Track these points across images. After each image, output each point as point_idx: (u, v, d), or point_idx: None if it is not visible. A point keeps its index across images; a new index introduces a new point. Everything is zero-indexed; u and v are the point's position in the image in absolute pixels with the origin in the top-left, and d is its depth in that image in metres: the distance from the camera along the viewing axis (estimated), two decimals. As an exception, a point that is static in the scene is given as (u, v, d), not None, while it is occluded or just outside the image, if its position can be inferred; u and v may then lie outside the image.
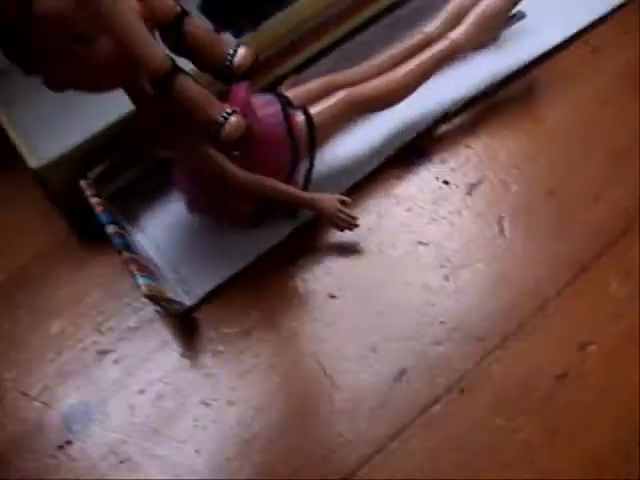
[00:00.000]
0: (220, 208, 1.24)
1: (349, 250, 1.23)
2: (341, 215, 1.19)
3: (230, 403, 1.13)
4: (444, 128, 1.33)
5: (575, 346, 1.11)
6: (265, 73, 1.36)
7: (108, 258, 1.27)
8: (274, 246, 1.24)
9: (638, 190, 1.22)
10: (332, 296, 1.18)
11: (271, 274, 1.22)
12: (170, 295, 1.17)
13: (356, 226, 1.20)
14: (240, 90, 1.19)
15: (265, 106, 1.21)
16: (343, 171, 1.29)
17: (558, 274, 1.16)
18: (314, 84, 1.29)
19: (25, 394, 1.19)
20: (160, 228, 1.29)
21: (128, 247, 1.18)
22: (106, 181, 1.27)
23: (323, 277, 1.20)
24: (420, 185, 1.27)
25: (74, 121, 1.21)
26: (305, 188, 1.23)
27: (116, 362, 1.19)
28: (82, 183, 1.23)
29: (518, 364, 1.10)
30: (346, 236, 1.23)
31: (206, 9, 1.40)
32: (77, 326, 1.23)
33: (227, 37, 1.32)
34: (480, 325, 1.13)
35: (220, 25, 1.38)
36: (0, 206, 1.39)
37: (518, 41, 1.38)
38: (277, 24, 1.33)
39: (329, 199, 1.20)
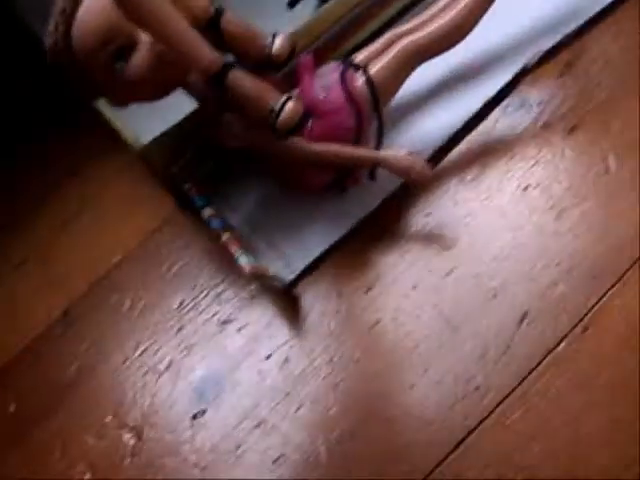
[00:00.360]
0: (296, 180, 1.26)
1: (455, 201, 1.22)
2: (411, 167, 1.19)
3: (356, 361, 1.15)
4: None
5: (693, 275, 1.10)
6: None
7: (214, 232, 1.29)
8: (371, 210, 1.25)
9: None
10: (446, 247, 1.18)
11: (375, 234, 1.25)
12: (271, 271, 1.19)
13: (428, 177, 1.20)
14: (300, 67, 1.23)
15: (323, 77, 1.23)
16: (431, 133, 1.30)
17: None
18: (378, 43, 1.29)
19: (154, 370, 1.21)
20: (252, 205, 1.31)
21: (226, 227, 1.22)
22: (196, 164, 1.30)
23: (434, 229, 1.21)
24: (519, 130, 1.27)
25: (166, 104, 1.23)
26: (378, 149, 1.25)
27: (239, 330, 1.21)
28: (174, 168, 1.26)
29: (636, 299, 1.10)
30: (449, 187, 1.24)
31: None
32: (196, 298, 1.26)
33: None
34: (596, 263, 1.14)
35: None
36: (105, 188, 1.42)
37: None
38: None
39: (398, 154, 1.20)
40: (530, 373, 1.08)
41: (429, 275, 1.18)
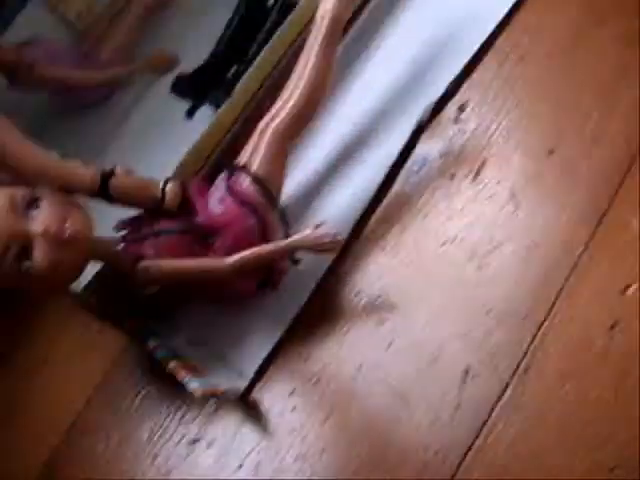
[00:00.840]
0: (226, 294, 1.30)
1: (380, 273, 1.25)
2: (322, 240, 1.22)
3: (322, 451, 1.17)
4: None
5: (617, 293, 1.12)
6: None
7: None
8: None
9: (635, 119, 1.22)
10: (380, 321, 1.21)
11: (313, 324, 1.27)
12: (223, 386, 1.21)
13: (340, 242, 1.23)
14: (192, 194, 1.29)
15: (215, 192, 1.29)
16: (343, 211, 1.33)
17: (580, 229, 1.17)
18: (254, 137, 1.32)
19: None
20: (195, 322, 1.35)
21: (172, 355, 1.25)
22: (131, 299, 1.33)
23: (367, 306, 1.25)
24: (427, 187, 1.30)
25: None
26: (287, 231, 1.29)
27: (208, 447, 1.25)
28: (110, 310, 1.31)
29: (569, 327, 1.12)
30: (372, 259, 1.28)
31: (178, 89, 1.45)
32: (163, 425, 1.29)
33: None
34: (523, 303, 1.16)
35: (197, 101, 1.43)
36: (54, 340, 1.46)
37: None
38: (249, 82, 1.37)
39: (305, 233, 1.23)
40: (483, 426, 1.10)
41: (371, 352, 1.20)
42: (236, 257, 1.22)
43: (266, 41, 1.42)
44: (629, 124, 1.21)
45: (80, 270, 1.20)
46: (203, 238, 1.24)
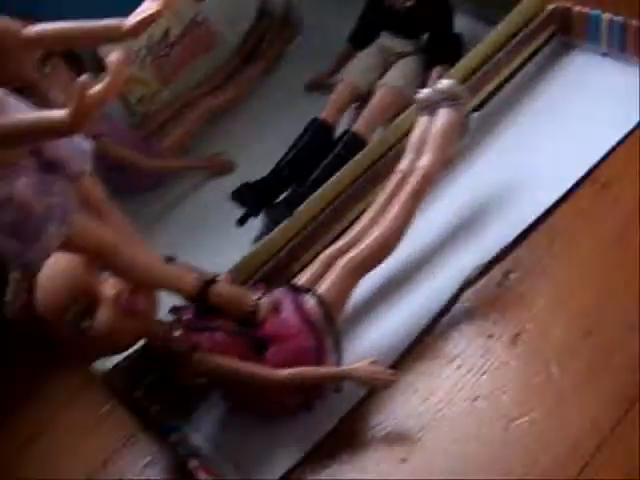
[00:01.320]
0: (264, 405, 1.30)
1: (409, 414, 1.28)
2: (377, 375, 1.25)
3: None
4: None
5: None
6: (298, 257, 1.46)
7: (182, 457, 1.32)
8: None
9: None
10: (403, 460, 1.23)
11: (335, 449, 1.29)
12: None
13: (394, 380, 1.26)
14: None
15: (279, 304, 1.30)
16: (385, 346, 1.36)
17: (610, 410, 1.21)
18: (316, 264, 1.37)
19: None
20: (216, 425, 1.35)
21: (194, 454, 1.25)
22: (159, 388, 1.35)
23: (391, 443, 1.26)
24: (465, 341, 1.34)
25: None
26: (339, 360, 1.30)
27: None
28: (137, 393, 1.31)
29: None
30: (402, 399, 1.31)
31: (239, 197, 1.49)
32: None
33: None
34: (546, 471, 1.19)
35: (252, 211, 1.47)
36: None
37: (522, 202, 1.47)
38: (312, 205, 1.42)
39: (361, 365, 1.26)
40: None
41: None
42: (293, 371, 1.23)
43: (329, 170, 1.46)
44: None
45: (133, 344, 1.21)
46: (257, 346, 1.25)
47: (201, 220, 1.58)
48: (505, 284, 1.39)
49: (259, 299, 1.27)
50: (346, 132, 1.57)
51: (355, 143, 1.52)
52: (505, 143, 1.57)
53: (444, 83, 1.42)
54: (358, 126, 1.57)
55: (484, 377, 1.30)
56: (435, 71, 1.65)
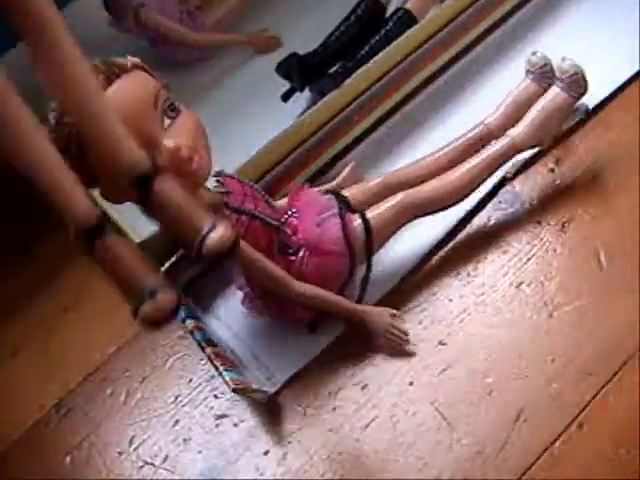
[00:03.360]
0: (276, 311, 1.25)
1: (450, 297, 1.24)
2: (393, 330, 1.20)
3: (356, 457, 1.15)
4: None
5: (686, 373, 1.12)
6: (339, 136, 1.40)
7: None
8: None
9: None
10: (442, 343, 1.20)
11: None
12: (254, 385, 1.19)
13: (407, 343, 1.21)
14: (299, 199, 1.25)
15: (323, 212, 1.23)
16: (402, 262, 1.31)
17: (660, 303, 1.17)
18: (374, 182, 1.31)
19: (150, 463, 1.21)
20: (234, 314, 1.31)
21: (209, 341, 1.21)
22: (178, 271, 1.30)
23: (430, 325, 1.22)
24: (512, 226, 1.30)
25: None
26: (361, 297, 1.25)
27: (235, 425, 1.22)
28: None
29: (632, 395, 1.12)
30: (444, 283, 1.27)
31: (284, 69, 1.44)
32: (192, 392, 1.26)
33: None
34: (590, 360, 1.15)
35: (298, 86, 1.42)
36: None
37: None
38: (361, 79, 1.37)
39: (380, 313, 1.21)
40: (526, 471, 1.09)
41: (425, 371, 1.19)
42: (316, 292, 1.19)
43: (379, 47, 1.41)
44: None
45: None
46: (287, 246, 1.20)
47: (247, 95, 1.52)
48: (557, 171, 1.34)
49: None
50: (398, 9, 1.50)
51: (407, 20, 1.46)
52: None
53: (570, 63, 1.31)
54: (411, 4, 1.50)
55: (530, 263, 1.26)
56: None
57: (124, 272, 0.98)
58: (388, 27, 1.45)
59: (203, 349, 1.20)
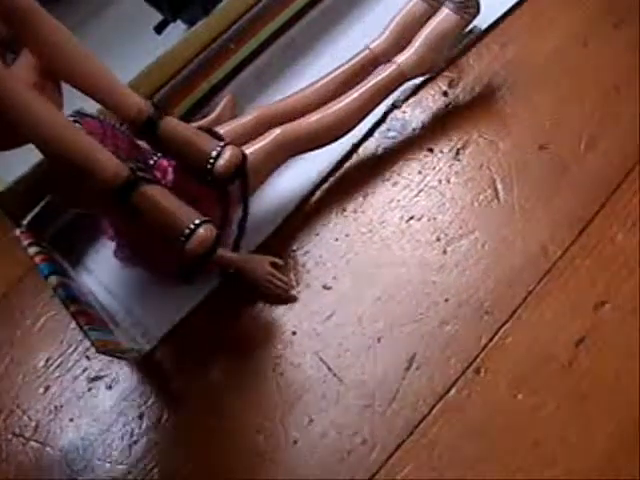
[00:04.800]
0: (145, 260, 1.16)
1: (335, 236, 1.14)
2: (272, 279, 1.11)
3: (240, 412, 1.06)
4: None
5: (590, 308, 1.03)
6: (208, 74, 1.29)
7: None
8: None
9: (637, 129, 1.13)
10: (326, 287, 1.10)
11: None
12: (125, 343, 1.09)
13: (288, 290, 1.12)
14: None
15: None
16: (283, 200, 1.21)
17: (561, 233, 1.09)
18: (249, 117, 1.18)
19: (19, 435, 1.11)
20: (107, 268, 1.22)
21: (74, 299, 1.10)
22: (44, 224, 1.20)
23: (314, 268, 1.12)
24: (402, 155, 1.19)
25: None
26: (238, 241, 1.14)
27: (109, 388, 1.12)
28: (17, 232, 1.16)
29: (533, 335, 1.04)
30: (329, 220, 1.17)
31: (153, 1, 1.31)
32: (64, 354, 1.16)
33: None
34: (487, 298, 1.07)
35: (169, 16, 1.30)
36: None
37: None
38: (228, 8, 1.24)
39: (259, 261, 1.12)
40: (419, 423, 1.01)
41: (309, 319, 1.09)
42: None
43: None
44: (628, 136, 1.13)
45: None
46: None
47: (121, 28, 1.39)
48: (450, 94, 1.23)
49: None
50: None
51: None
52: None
53: None
54: None
55: (421, 195, 1.15)
56: None
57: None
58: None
59: (67, 307, 1.09)
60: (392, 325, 1.08)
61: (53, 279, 1.12)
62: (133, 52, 1.30)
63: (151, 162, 1.10)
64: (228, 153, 1.05)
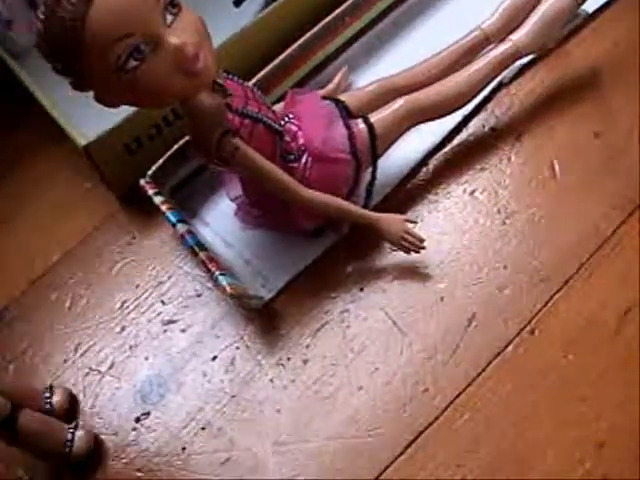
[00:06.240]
0: (278, 223, 1.22)
1: (402, 203, 1.24)
2: (407, 236, 1.16)
3: (304, 362, 1.14)
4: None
5: (637, 282, 1.12)
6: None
7: (158, 232, 1.30)
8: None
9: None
10: (392, 249, 1.19)
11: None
12: (251, 291, 1.17)
13: (423, 248, 1.16)
14: (300, 106, 1.21)
15: (326, 117, 1.18)
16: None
17: (612, 214, 1.18)
18: (370, 87, 1.25)
19: (96, 370, 1.19)
20: (224, 221, 1.27)
21: (201, 245, 1.19)
22: (164, 176, 1.27)
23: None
24: (467, 135, 1.29)
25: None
26: (367, 203, 1.21)
27: (183, 331, 1.20)
28: (142, 182, 1.24)
29: (583, 303, 1.12)
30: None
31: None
32: (139, 298, 1.24)
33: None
34: (542, 267, 1.15)
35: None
36: (42, 187, 1.39)
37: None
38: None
39: (395, 219, 1.17)
40: (478, 376, 1.09)
41: (376, 277, 1.17)
42: (328, 198, 1.13)
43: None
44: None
45: (169, 104, 1.13)
46: (287, 152, 1.15)
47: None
48: (514, 80, 1.32)
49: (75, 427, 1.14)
50: None
51: None
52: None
53: None
54: None
55: (484, 172, 1.25)
56: None
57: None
58: None
59: (196, 254, 1.17)
60: (454, 286, 1.16)
61: (181, 227, 1.20)
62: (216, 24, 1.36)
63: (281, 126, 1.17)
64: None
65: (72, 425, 1.14)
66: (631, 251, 1.15)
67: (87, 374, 1.19)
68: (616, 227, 1.17)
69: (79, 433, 1.13)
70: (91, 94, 1.03)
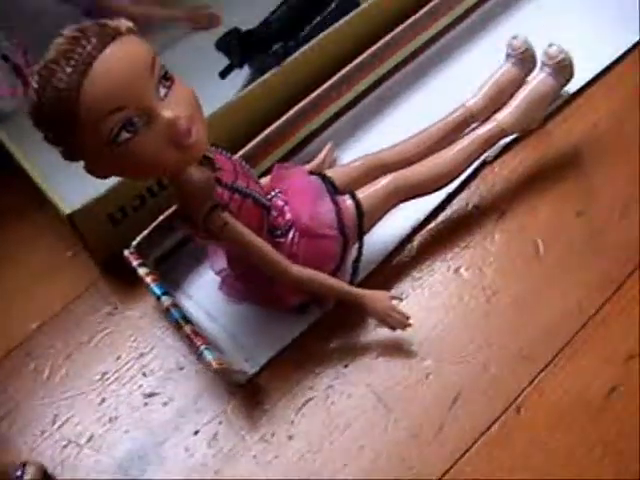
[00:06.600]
0: (263, 297, 1.21)
1: (386, 281, 1.23)
2: (393, 313, 1.16)
3: (289, 438, 1.13)
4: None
5: (621, 360, 1.13)
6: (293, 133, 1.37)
7: (140, 303, 1.29)
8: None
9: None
10: (378, 326, 1.19)
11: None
12: (234, 365, 1.16)
13: (408, 325, 1.17)
14: (290, 186, 1.21)
15: (313, 193, 1.18)
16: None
17: (596, 292, 1.19)
18: (357, 163, 1.26)
19: (74, 442, 1.17)
20: (208, 293, 1.27)
21: (186, 319, 1.18)
22: (149, 247, 1.26)
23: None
24: (451, 213, 1.30)
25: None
26: (353, 279, 1.21)
27: (165, 404, 1.18)
28: (126, 252, 1.23)
29: (569, 381, 1.13)
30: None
31: (224, 45, 1.40)
32: (120, 370, 1.23)
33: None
34: (527, 346, 1.16)
35: (237, 62, 1.39)
36: (23, 252, 1.38)
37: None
38: (302, 60, 1.34)
39: (380, 296, 1.16)
40: (463, 455, 1.09)
41: (361, 354, 1.17)
42: (308, 272, 1.12)
43: (321, 28, 1.39)
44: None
45: (159, 174, 1.13)
46: (274, 227, 1.16)
47: (185, 69, 1.47)
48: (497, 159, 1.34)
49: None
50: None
51: (351, 2, 1.44)
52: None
53: (557, 49, 1.28)
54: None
55: (468, 250, 1.26)
56: None
57: None
58: (330, 8, 1.43)
59: (181, 327, 1.16)
60: (439, 364, 1.16)
61: (166, 299, 1.19)
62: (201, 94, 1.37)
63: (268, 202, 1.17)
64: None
65: None
66: (615, 329, 1.16)
67: (65, 447, 1.17)
68: (600, 306, 1.18)
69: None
70: (76, 163, 1.03)
